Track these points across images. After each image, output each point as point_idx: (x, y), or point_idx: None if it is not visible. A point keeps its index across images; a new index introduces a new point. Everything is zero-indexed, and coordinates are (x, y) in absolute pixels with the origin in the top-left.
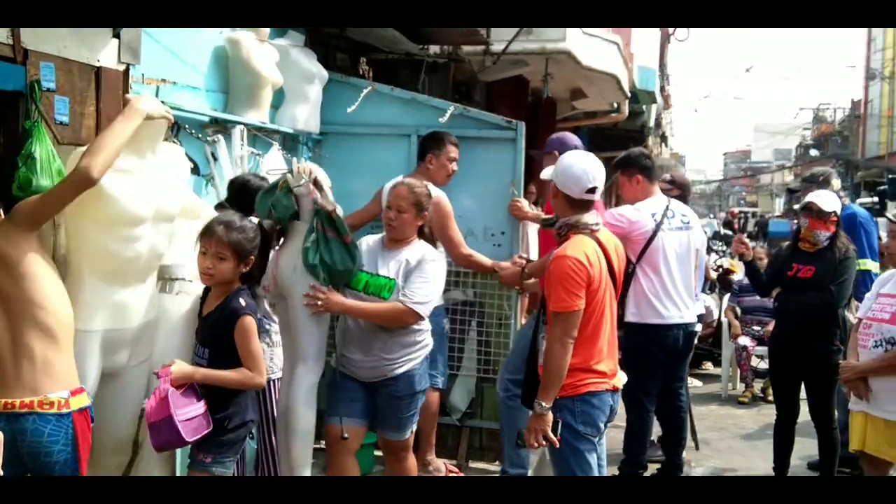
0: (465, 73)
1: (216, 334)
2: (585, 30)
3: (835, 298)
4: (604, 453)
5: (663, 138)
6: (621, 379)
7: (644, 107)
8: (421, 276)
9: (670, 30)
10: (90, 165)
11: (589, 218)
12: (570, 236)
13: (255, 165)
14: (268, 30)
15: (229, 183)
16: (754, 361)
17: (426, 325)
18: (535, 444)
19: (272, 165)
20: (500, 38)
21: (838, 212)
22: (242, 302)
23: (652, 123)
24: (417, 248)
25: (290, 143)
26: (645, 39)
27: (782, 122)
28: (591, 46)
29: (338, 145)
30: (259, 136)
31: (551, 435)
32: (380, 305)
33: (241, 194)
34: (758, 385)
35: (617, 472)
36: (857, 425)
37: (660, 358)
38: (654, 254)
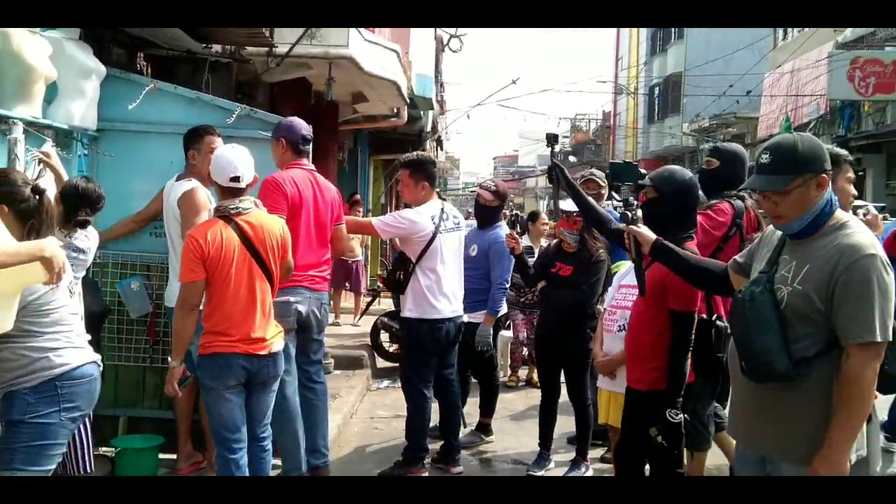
0: (247, 73)
1: None
2: (367, 36)
3: (586, 296)
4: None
5: (439, 142)
6: (273, 345)
7: (422, 112)
8: None
9: (445, 38)
10: None
11: (230, 203)
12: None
13: (30, 164)
14: None
15: (66, 191)
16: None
17: (40, 342)
18: (172, 392)
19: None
20: (284, 40)
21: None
22: None
23: (429, 128)
24: None
25: (65, 139)
26: (422, 48)
27: (544, 130)
28: (372, 53)
29: (117, 143)
30: (31, 132)
31: (176, 386)
32: None
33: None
34: (523, 372)
35: (400, 458)
36: (603, 401)
37: (433, 349)
38: (433, 254)
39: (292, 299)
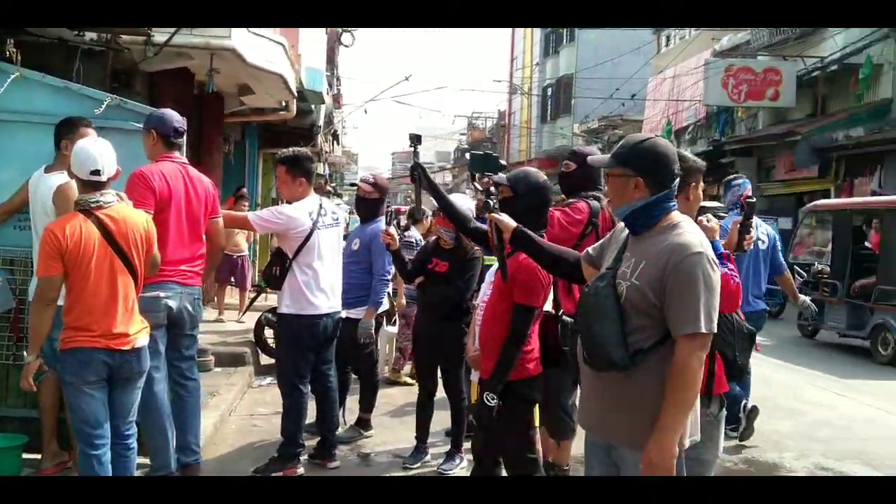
0: (124, 62)
1: None
2: (252, 29)
3: (461, 292)
4: (127, 403)
5: (335, 136)
6: (136, 340)
7: (313, 106)
8: None
9: (338, 31)
10: None
11: (91, 196)
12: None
13: None
14: None
15: None
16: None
17: None
18: (27, 387)
19: None
20: (163, 29)
21: None
22: None
23: (322, 122)
24: None
25: None
26: (312, 42)
27: (441, 127)
28: (257, 45)
29: None
30: None
31: (31, 381)
32: None
33: None
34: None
35: (276, 455)
36: (475, 393)
37: (311, 344)
38: (310, 250)
39: (162, 294)
